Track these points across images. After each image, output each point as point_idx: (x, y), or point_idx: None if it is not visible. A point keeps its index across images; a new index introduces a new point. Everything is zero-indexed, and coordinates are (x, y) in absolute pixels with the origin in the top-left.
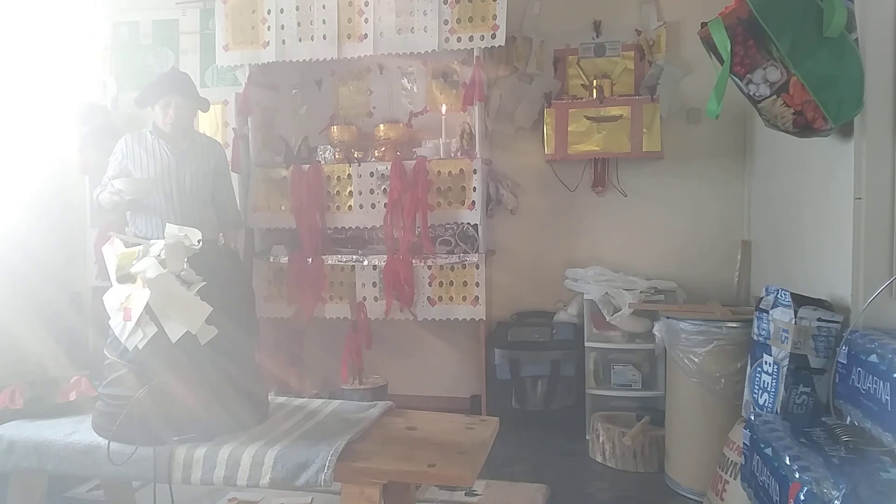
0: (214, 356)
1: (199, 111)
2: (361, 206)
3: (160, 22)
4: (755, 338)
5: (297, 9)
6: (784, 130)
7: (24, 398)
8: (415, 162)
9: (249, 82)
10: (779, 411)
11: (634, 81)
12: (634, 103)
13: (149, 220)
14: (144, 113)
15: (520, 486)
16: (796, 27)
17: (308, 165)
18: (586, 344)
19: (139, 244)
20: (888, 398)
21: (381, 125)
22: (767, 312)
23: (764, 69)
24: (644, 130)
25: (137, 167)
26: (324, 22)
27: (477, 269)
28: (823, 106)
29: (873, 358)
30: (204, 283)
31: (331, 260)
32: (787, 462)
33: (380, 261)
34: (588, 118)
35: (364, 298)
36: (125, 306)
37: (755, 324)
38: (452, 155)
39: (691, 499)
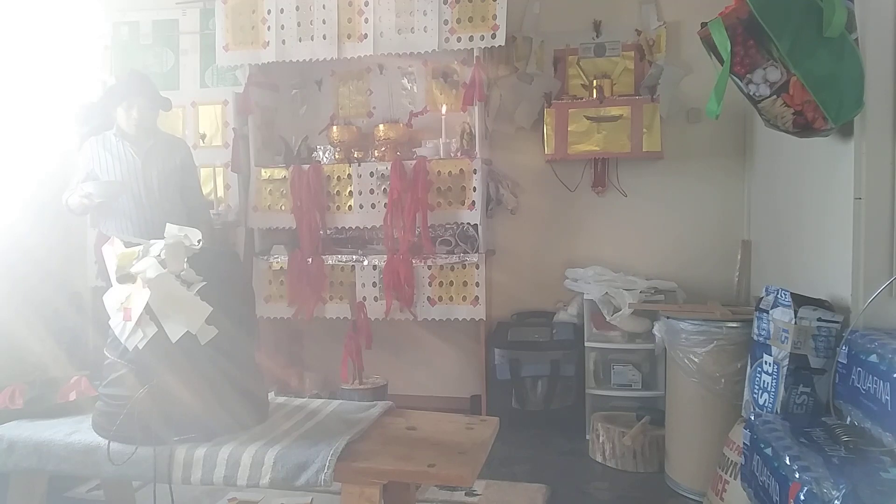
0: (214, 356)
1: (162, 111)
2: (361, 206)
3: (160, 22)
4: (755, 338)
5: (297, 9)
6: (784, 130)
7: (24, 398)
8: (415, 162)
9: (249, 82)
10: (779, 411)
11: (634, 81)
12: (634, 103)
13: (118, 221)
14: None
15: (520, 486)
16: (796, 27)
17: (308, 165)
18: (586, 344)
19: (139, 244)
20: (888, 398)
21: (381, 125)
22: (767, 312)
23: (764, 69)
24: (644, 130)
25: (103, 170)
26: (324, 22)
27: (477, 269)
28: (823, 106)
29: (873, 358)
30: (204, 283)
31: (331, 260)
32: (787, 462)
33: (380, 261)
34: (588, 118)
35: (364, 298)
36: (125, 306)
37: (755, 324)
38: (452, 155)
39: (691, 499)
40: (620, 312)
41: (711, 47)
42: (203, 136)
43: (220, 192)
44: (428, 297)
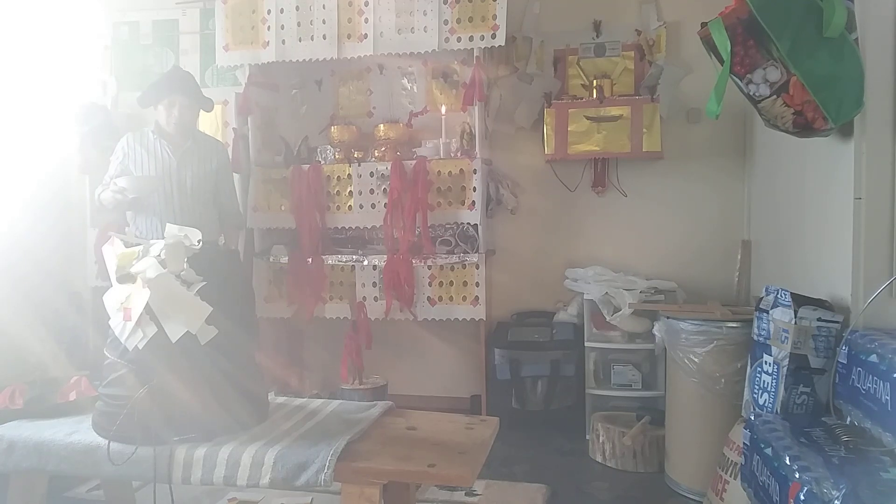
0: (214, 356)
1: (203, 111)
2: (361, 206)
3: (160, 22)
4: (755, 338)
5: (297, 9)
6: (784, 130)
7: (24, 398)
8: (415, 162)
9: (249, 82)
10: (779, 411)
11: (634, 81)
12: (634, 103)
13: (149, 220)
14: (145, 112)
15: (520, 486)
16: (796, 27)
17: (308, 165)
18: (586, 344)
19: (139, 244)
20: (888, 398)
21: (381, 125)
22: (767, 312)
23: (764, 69)
24: (644, 130)
25: (138, 167)
26: (324, 22)
27: (477, 269)
28: (823, 106)
29: (873, 358)
30: (204, 283)
31: (331, 260)
32: (787, 462)
33: (380, 261)
34: (588, 118)
35: (364, 298)
36: (125, 306)
37: (755, 324)
38: (452, 155)
39: (691, 499)
40: (620, 312)
41: (711, 47)
42: None
43: None
44: (428, 297)
